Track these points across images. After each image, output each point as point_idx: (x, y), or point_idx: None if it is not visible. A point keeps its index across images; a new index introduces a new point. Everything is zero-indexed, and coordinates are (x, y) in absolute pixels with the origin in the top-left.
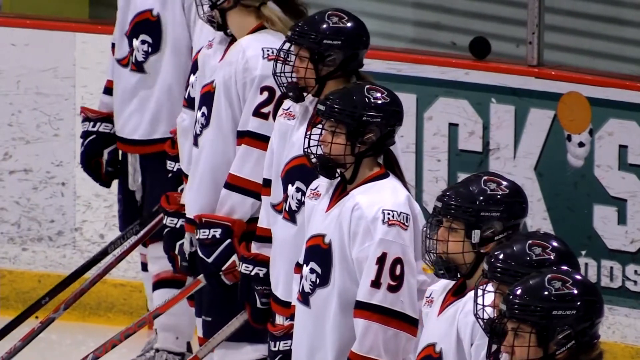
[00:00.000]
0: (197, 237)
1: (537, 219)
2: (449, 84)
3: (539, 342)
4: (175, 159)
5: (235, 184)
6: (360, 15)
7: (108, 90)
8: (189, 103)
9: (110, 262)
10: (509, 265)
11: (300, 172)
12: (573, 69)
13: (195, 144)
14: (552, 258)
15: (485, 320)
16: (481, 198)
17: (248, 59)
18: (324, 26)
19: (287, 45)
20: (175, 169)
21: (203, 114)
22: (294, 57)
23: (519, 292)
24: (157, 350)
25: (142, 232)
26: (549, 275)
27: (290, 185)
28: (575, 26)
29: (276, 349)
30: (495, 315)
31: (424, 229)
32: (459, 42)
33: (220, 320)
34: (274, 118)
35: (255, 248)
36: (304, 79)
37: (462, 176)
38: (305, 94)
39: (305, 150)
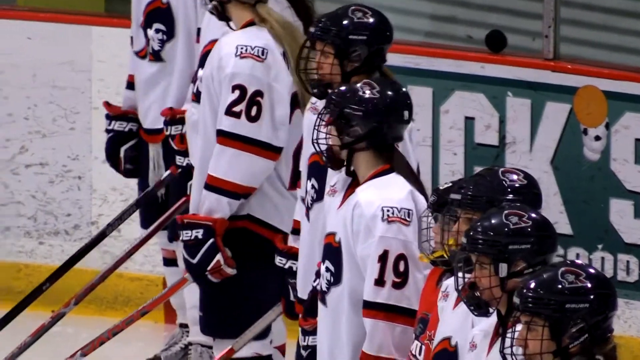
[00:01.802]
0: (180, 238)
1: (554, 212)
2: (465, 77)
3: (552, 335)
4: (184, 153)
5: (211, 184)
6: (377, 8)
7: (130, 84)
8: (197, 97)
9: (121, 257)
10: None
11: (315, 168)
12: (589, 63)
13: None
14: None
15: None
16: (501, 188)
17: (222, 57)
18: (348, 21)
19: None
20: (184, 164)
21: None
22: (317, 54)
23: (532, 285)
24: (190, 344)
25: (153, 226)
26: (563, 269)
27: (308, 181)
28: (591, 19)
29: (305, 343)
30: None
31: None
32: (475, 35)
33: (212, 317)
34: (248, 116)
35: (291, 241)
36: (329, 75)
37: (478, 170)
38: (330, 90)
39: (314, 141)
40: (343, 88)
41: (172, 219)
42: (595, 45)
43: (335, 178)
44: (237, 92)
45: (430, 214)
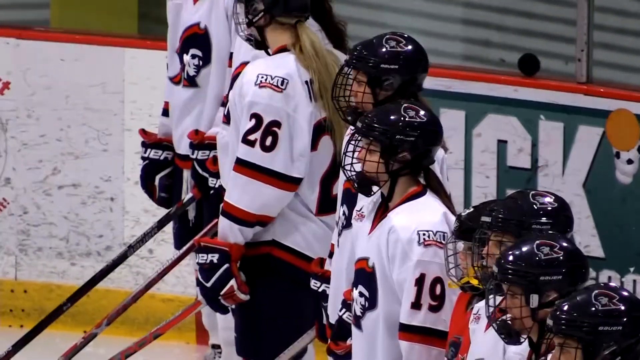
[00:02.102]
0: (196, 261)
1: (586, 236)
2: (498, 100)
3: (584, 357)
4: (217, 175)
5: (225, 210)
6: (410, 32)
7: (165, 111)
8: (228, 119)
9: (152, 278)
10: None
11: (348, 195)
12: (622, 86)
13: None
14: (622, 308)
15: None
16: (531, 211)
17: (243, 85)
18: (382, 50)
19: (345, 69)
20: (217, 186)
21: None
22: (351, 81)
23: (565, 307)
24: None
25: (185, 248)
26: (596, 291)
27: (341, 207)
28: (624, 43)
29: None
30: None
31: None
32: (508, 59)
33: (245, 338)
34: (262, 146)
35: (328, 264)
36: (361, 103)
37: (510, 193)
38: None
39: (344, 167)
40: (383, 115)
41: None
42: (628, 69)
43: (361, 203)
44: (253, 121)
45: (454, 241)
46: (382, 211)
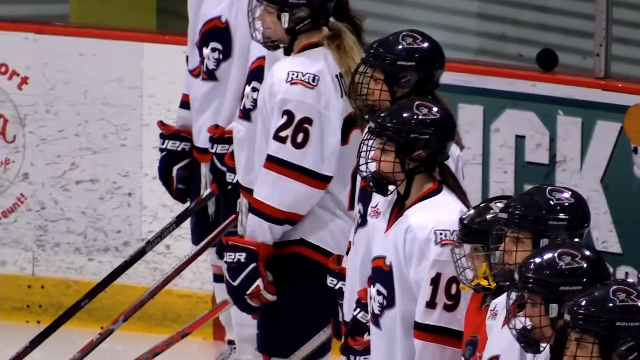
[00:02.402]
0: (224, 260)
1: (603, 231)
2: (515, 95)
3: (601, 353)
4: (234, 170)
5: (254, 207)
6: (426, 27)
7: (184, 104)
8: (244, 114)
9: (169, 274)
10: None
11: (364, 193)
12: None
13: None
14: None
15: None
16: (548, 207)
17: (274, 83)
18: (399, 47)
19: (362, 67)
20: (234, 181)
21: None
22: (368, 79)
23: (583, 302)
24: None
25: (202, 243)
26: (614, 287)
27: (357, 205)
28: None
29: None
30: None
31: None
32: (526, 53)
33: (267, 335)
34: (293, 142)
35: (345, 261)
36: (378, 100)
37: (528, 187)
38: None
39: (358, 167)
40: (396, 115)
41: (221, 236)
42: None
43: (376, 199)
44: (285, 118)
45: (460, 244)
46: (397, 209)
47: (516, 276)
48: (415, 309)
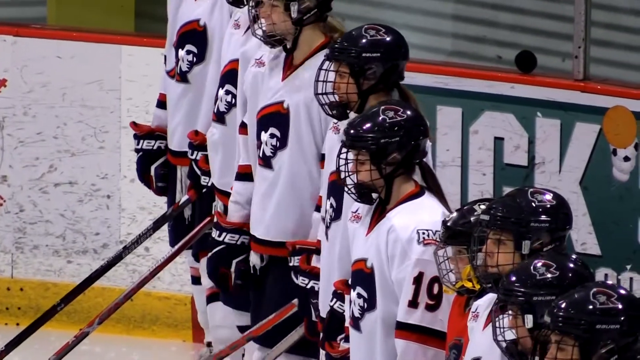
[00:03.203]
0: (291, 264)
1: (583, 233)
2: (494, 97)
3: (581, 355)
4: (209, 174)
5: (320, 205)
6: (402, 29)
7: (160, 103)
8: (218, 117)
9: (145, 276)
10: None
11: (335, 188)
12: (619, 83)
13: (268, 165)
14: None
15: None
16: (530, 209)
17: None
18: (363, 40)
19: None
20: (209, 184)
21: (273, 135)
22: (333, 75)
23: (563, 305)
24: None
25: (177, 246)
26: (594, 289)
27: (327, 200)
28: (621, 40)
29: None
30: None
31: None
32: (505, 56)
33: (274, 330)
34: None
35: (315, 261)
36: (345, 94)
37: (507, 190)
38: (348, 110)
39: (340, 181)
40: (364, 123)
41: (195, 239)
42: (625, 66)
43: (356, 204)
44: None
45: (443, 247)
46: (379, 212)
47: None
48: (396, 311)
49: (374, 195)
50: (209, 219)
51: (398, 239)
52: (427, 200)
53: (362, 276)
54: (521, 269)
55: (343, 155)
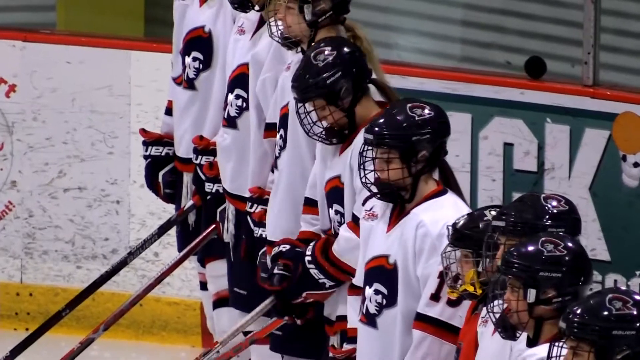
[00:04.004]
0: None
1: (592, 239)
2: (504, 103)
3: None
4: (213, 180)
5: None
6: (411, 34)
7: (169, 110)
8: (229, 122)
9: (151, 282)
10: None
11: (335, 194)
12: (628, 89)
13: (275, 166)
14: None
15: None
16: (545, 215)
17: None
18: (320, 65)
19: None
20: (214, 191)
21: (281, 136)
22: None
23: (579, 311)
24: None
25: (183, 253)
26: (610, 295)
27: (329, 209)
28: (631, 46)
29: None
30: None
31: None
32: (515, 61)
33: (290, 335)
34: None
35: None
36: (335, 122)
37: (516, 196)
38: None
39: (362, 180)
40: (394, 119)
41: (201, 245)
42: (634, 71)
43: (371, 202)
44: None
45: (452, 250)
46: (398, 210)
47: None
48: (415, 307)
49: (403, 193)
50: (214, 225)
51: (428, 233)
52: (452, 198)
53: (383, 272)
54: (529, 246)
55: (369, 154)
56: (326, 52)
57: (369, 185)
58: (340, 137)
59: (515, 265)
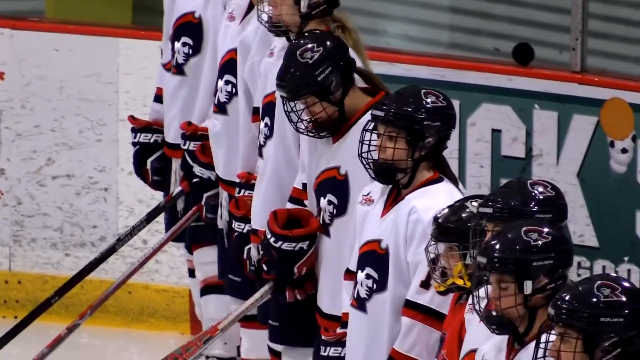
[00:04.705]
0: (280, 246)
1: (580, 225)
2: (492, 90)
3: (585, 348)
4: (206, 166)
5: (294, 197)
6: (399, 21)
7: (158, 97)
8: (220, 108)
9: (134, 267)
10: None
11: (330, 184)
12: (616, 75)
13: (260, 154)
14: (623, 300)
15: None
16: (533, 201)
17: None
18: (308, 62)
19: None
20: (205, 177)
21: (266, 124)
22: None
23: (567, 297)
24: (208, 357)
25: (166, 236)
26: (599, 282)
27: (322, 199)
28: (618, 32)
29: (325, 354)
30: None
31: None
32: (503, 48)
33: (287, 325)
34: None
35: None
36: (328, 117)
37: (504, 182)
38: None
39: (361, 155)
40: (409, 101)
41: (183, 227)
42: (622, 58)
43: (368, 187)
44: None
45: (435, 243)
46: (394, 195)
47: (483, 260)
48: (405, 293)
49: (399, 176)
50: (195, 208)
51: (419, 220)
52: (447, 186)
53: (375, 257)
54: (510, 235)
55: (376, 130)
56: (313, 49)
57: (369, 161)
58: (330, 130)
59: (510, 261)
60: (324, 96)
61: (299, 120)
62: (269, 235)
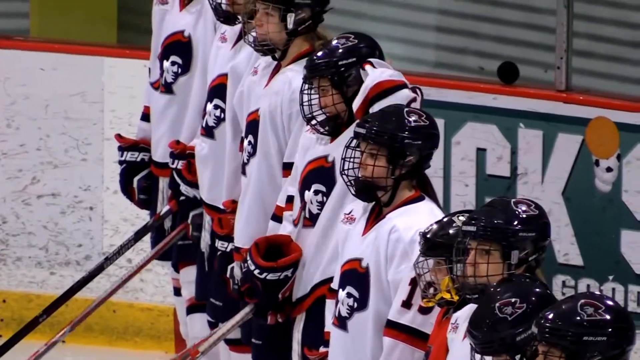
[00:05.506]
0: (263, 277)
1: (565, 243)
2: (477, 108)
3: None
4: (191, 184)
5: (277, 215)
6: (385, 40)
7: (145, 116)
8: (207, 132)
9: (117, 284)
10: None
11: (316, 174)
12: (601, 94)
13: (244, 172)
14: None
15: None
16: (516, 219)
17: (294, 90)
18: (339, 51)
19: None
20: (191, 196)
21: (250, 142)
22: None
23: (551, 316)
24: None
25: (150, 255)
26: (582, 301)
27: (307, 191)
28: (603, 51)
29: None
30: None
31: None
32: (488, 67)
33: (270, 344)
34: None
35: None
36: (334, 106)
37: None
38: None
39: (342, 172)
40: (388, 120)
41: (167, 246)
42: (607, 76)
43: (350, 206)
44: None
45: (424, 259)
46: (375, 213)
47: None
48: (386, 312)
49: (379, 194)
50: (182, 226)
51: (400, 239)
52: (428, 205)
53: (355, 276)
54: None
55: (357, 147)
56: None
57: (350, 178)
58: (332, 128)
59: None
60: (338, 85)
61: (311, 112)
62: (252, 267)
